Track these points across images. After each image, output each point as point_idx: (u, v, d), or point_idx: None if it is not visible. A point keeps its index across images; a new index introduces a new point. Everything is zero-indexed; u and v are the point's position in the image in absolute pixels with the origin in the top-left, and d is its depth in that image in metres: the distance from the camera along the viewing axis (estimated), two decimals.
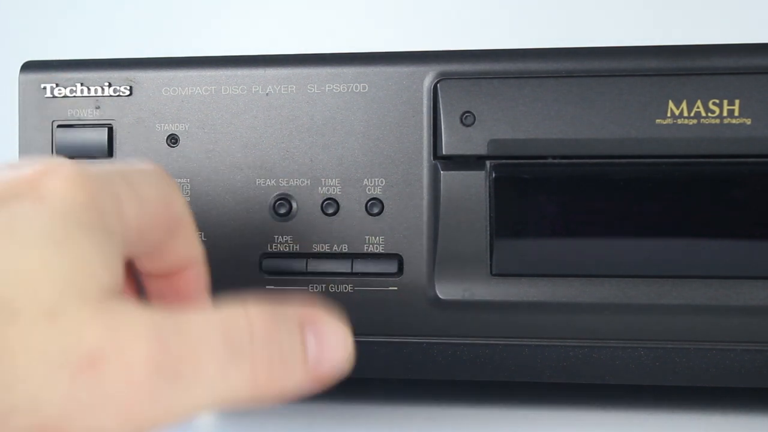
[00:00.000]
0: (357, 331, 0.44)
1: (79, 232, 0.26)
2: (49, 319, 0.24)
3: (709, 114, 0.41)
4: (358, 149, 0.44)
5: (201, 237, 0.45)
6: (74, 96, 0.46)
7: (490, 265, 0.43)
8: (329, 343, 0.29)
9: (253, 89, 0.45)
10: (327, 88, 0.44)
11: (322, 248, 0.44)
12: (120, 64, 0.46)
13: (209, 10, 0.81)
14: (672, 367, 0.43)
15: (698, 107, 0.41)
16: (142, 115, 0.45)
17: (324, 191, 0.44)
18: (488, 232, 0.43)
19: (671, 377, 0.43)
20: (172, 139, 0.45)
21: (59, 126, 0.46)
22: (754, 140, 0.41)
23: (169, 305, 0.31)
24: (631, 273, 0.42)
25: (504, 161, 0.43)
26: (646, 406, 0.46)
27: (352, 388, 0.51)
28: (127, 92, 0.46)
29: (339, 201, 0.44)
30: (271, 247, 0.44)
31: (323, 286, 0.44)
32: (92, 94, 0.46)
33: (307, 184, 0.44)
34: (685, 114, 0.42)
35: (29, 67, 0.47)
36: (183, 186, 0.45)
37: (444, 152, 0.43)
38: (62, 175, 0.27)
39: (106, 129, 0.46)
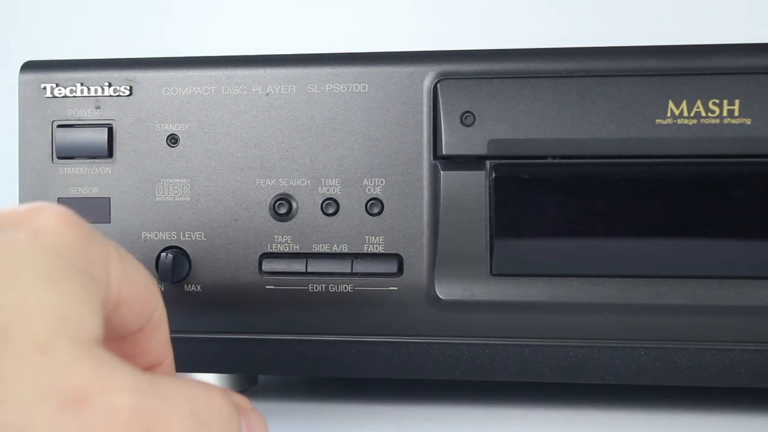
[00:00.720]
0: (357, 331, 0.44)
1: (70, 273, 0.27)
2: (41, 353, 0.25)
3: (709, 114, 0.41)
4: (358, 149, 0.44)
5: (201, 237, 0.45)
6: (74, 96, 0.46)
7: (490, 265, 0.43)
8: (256, 429, 0.32)
9: (253, 89, 0.45)
10: (327, 88, 0.44)
11: (322, 248, 0.44)
12: (120, 64, 0.46)
13: (209, 10, 0.81)
14: (672, 367, 0.43)
15: (698, 107, 0.41)
16: (142, 115, 0.45)
17: (324, 191, 0.44)
18: (488, 232, 0.43)
19: (671, 377, 0.43)
20: (172, 139, 0.45)
21: (59, 126, 0.46)
22: (754, 140, 0.41)
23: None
24: (631, 273, 0.42)
25: (504, 161, 0.43)
26: (646, 406, 0.46)
27: (352, 388, 0.51)
28: (127, 92, 0.46)
29: (339, 201, 0.44)
30: (271, 247, 0.44)
31: (323, 286, 0.44)
32: (92, 94, 0.46)
33: (307, 184, 0.44)
34: (685, 114, 0.42)
35: (29, 67, 0.47)
36: (183, 186, 0.45)
37: (444, 152, 0.43)
38: (57, 214, 0.28)
39: (106, 129, 0.46)
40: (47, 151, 0.46)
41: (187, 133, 0.45)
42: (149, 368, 0.34)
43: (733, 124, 0.41)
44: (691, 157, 0.42)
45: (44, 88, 0.46)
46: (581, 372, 0.43)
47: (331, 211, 0.44)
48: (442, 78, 0.43)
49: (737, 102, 0.41)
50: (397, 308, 0.44)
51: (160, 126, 0.45)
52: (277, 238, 0.44)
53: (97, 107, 0.46)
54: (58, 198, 0.46)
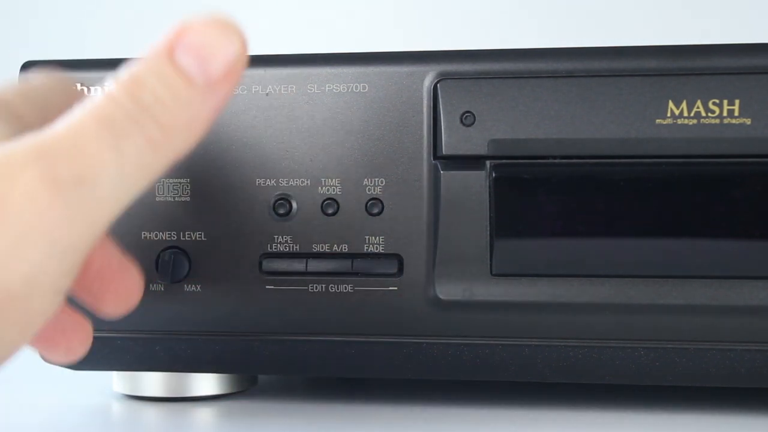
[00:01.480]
0: (357, 331, 0.44)
1: None
2: None
3: (709, 114, 0.41)
4: (358, 149, 0.44)
5: (201, 237, 0.45)
6: None
7: (490, 265, 0.43)
8: (209, 48, 0.29)
9: (253, 89, 0.45)
10: (327, 88, 0.44)
11: (322, 248, 0.44)
12: (120, 65, 0.46)
13: (209, 10, 0.81)
14: (672, 367, 0.43)
15: (698, 107, 0.41)
16: None
17: (324, 191, 0.44)
18: (488, 232, 0.43)
19: (671, 377, 0.43)
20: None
21: None
22: (754, 140, 0.41)
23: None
24: (631, 273, 0.42)
25: (504, 161, 0.43)
26: (646, 406, 0.46)
27: (352, 388, 0.51)
28: None
29: (339, 201, 0.44)
30: (271, 247, 0.44)
31: (323, 286, 0.44)
32: (92, 94, 0.46)
33: (307, 184, 0.44)
34: (685, 114, 0.42)
35: (29, 67, 0.47)
36: (183, 186, 0.45)
37: (444, 152, 0.43)
38: None
39: None
40: None
41: None
42: None
43: (733, 124, 0.41)
44: (691, 157, 0.42)
45: None
46: (581, 372, 0.43)
47: (331, 211, 0.44)
48: (442, 78, 0.43)
49: (737, 102, 0.41)
50: (397, 308, 0.44)
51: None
52: (277, 238, 0.44)
53: None
54: None
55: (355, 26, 0.79)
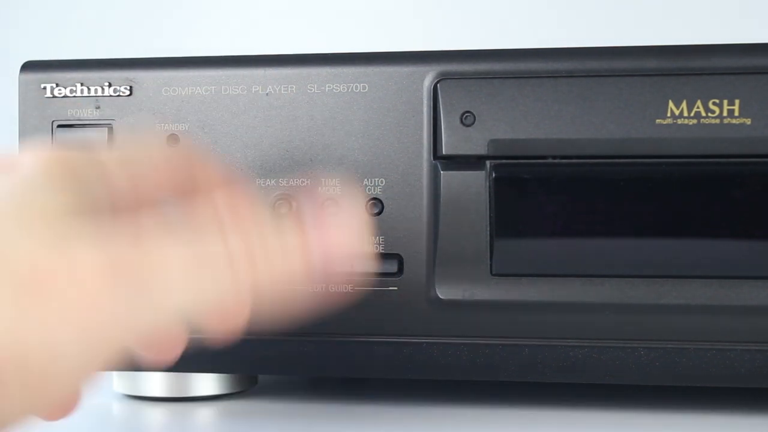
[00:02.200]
0: (357, 331, 0.44)
1: (37, 189, 0.26)
2: None
3: (709, 114, 0.41)
4: (358, 149, 0.44)
5: None
6: (74, 96, 0.46)
7: (490, 265, 0.43)
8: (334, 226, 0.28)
9: (253, 89, 0.45)
10: (327, 88, 0.44)
11: None
12: (120, 64, 0.46)
13: (209, 10, 0.81)
14: (672, 367, 0.43)
15: (698, 107, 0.41)
16: (142, 115, 0.45)
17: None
18: (488, 232, 0.43)
19: (671, 377, 0.43)
20: (172, 139, 0.45)
21: (59, 126, 0.46)
22: (754, 140, 0.41)
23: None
24: (631, 273, 0.42)
25: (504, 161, 0.43)
26: (646, 406, 0.46)
27: (352, 388, 0.51)
28: (127, 92, 0.46)
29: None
30: None
31: (323, 286, 0.44)
32: (92, 94, 0.46)
33: (307, 184, 0.44)
34: (685, 114, 0.42)
35: (29, 67, 0.47)
36: None
37: (444, 152, 0.43)
38: (39, 152, 0.28)
39: (106, 129, 0.46)
40: None
41: (187, 133, 0.45)
42: None
43: (733, 124, 0.41)
44: (691, 157, 0.42)
45: (44, 88, 0.46)
46: (581, 372, 0.43)
47: None
48: (442, 78, 0.43)
49: (737, 102, 0.41)
50: (397, 308, 0.44)
51: (160, 126, 0.45)
52: None
53: (97, 107, 0.46)
54: None
55: (355, 26, 0.79)
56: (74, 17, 0.82)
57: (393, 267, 0.43)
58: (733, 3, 0.74)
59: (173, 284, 0.25)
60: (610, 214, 0.42)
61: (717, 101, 0.41)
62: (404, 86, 0.44)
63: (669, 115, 0.42)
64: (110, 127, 0.46)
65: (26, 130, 0.46)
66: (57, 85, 0.46)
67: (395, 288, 0.43)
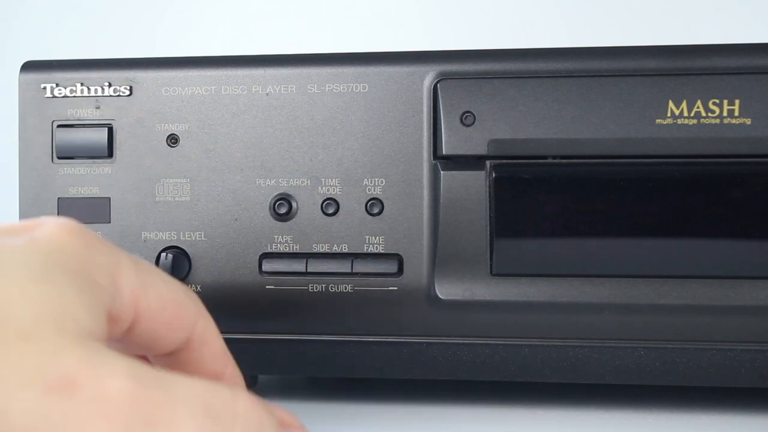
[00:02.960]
0: (357, 331, 0.44)
1: (62, 273, 0.27)
2: (25, 341, 0.25)
3: (709, 114, 0.41)
4: (358, 149, 0.44)
5: (201, 237, 0.45)
6: (74, 96, 0.46)
7: (490, 265, 0.43)
8: None
9: (253, 89, 0.45)
10: (327, 88, 0.44)
11: (322, 248, 0.44)
12: (120, 64, 0.46)
13: (209, 10, 0.81)
14: (672, 367, 0.43)
15: (698, 107, 0.41)
16: (142, 115, 0.45)
17: (324, 191, 0.44)
18: (488, 232, 0.43)
19: (671, 377, 0.43)
20: (172, 139, 0.45)
21: (59, 126, 0.46)
22: (754, 140, 0.41)
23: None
24: (631, 273, 0.42)
25: (504, 161, 0.43)
26: (646, 406, 0.46)
27: (352, 388, 0.51)
28: (127, 92, 0.46)
29: (339, 201, 0.44)
30: (271, 247, 0.44)
31: (323, 286, 0.44)
32: (92, 94, 0.46)
33: (307, 184, 0.44)
34: (685, 114, 0.42)
35: (29, 67, 0.47)
36: (183, 186, 0.45)
37: (444, 152, 0.43)
38: (58, 223, 0.28)
39: (106, 129, 0.46)
40: (47, 151, 0.46)
41: (187, 133, 0.45)
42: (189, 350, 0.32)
43: (733, 124, 0.41)
44: (691, 157, 0.42)
45: (44, 88, 0.46)
46: (581, 372, 0.43)
47: (331, 211, 0.44)
48: (442, 78, 0.43)
49: (737, 102, 0.41)
50: (397, 308, 0.44)
51: (160, 126, 0.45)
52: (277, 238, 0.44)
53: (97, 107, 0.46)
54: (58, 198, 0.46)
55: (355, 26, 0.79)
56: (74, 17, 0.82)
57: (393, 267, 0.43)
58: (734, 3, 0.74)
59: None
60: (610, 214, 0.42)
61: (717, 101, 0.41)
62: (404, 86, 0.44)
63: (669, 115, 0.42)
64: (110, 127, 0.46)
65: (26, 130, 0.46)
66: (57, 85, 0.46)
67: (395, 288, 0.44)
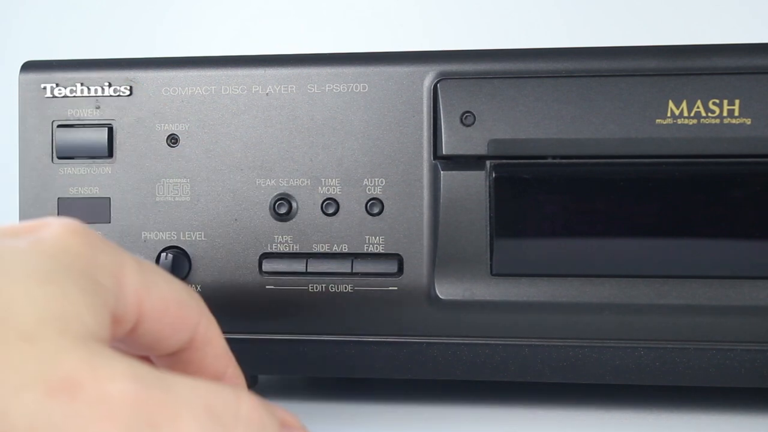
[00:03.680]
0: (357, 331, 0.44)
1: (65, 274, 0.27)
2: (27, 342, 0.25)
3: (709, 114, 0.41)
4: (358, 149, 0.44)
5: (201, 237, 0.45)
6: (74, 96, 0.46)
7: (490, 265, 0.43)
8: None
9: (253, 89, 0.45)
10: (327, 88, 0.44)
11: (322, 248, 0.44)
12: (120, 64, 0.46)
13: (209, 10, 0.81)
14: (672, 367, 0.43)
15: (698, 107, 0.41)
16: (142, 115, 0.45)
17: (324, 191, 0.44)
18: (488, 232, 0.43)
19: (671, 377, 0.43)
20: (172, 139, 0.45)
21: (59, 126, 0.46)
22: (754, 140, 0.41)
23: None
24: (631, 273, 0.42)
25: (504, 161, 0.43)
26: (646, 406, 0.46)
27: (352, 388, 0.51)
28: (127, 92, 0.46)
29: (339, 201, 0.44)
30: (271, 247, 0.44)
31: (323, 286, 0.44)
32: (92, 94, 0.46)
33: (307, 184, 0.44)
34: (685, 114, 0.42)
35: (29, 67, 0.47)
36: (183, 186, 0.45)
37: (444, 152, 0.43)
38: (61, 224, 0.28)
39: (106, 129, 0.46)
40: (47, 151, 0.46)
41: (187, 133, 0.45)
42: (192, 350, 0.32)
43: (733, 124, 0.41)
44: (691, 157, 0.42)
45: (44, 88, 0.46)
46: (581, 372, 0.43)
47: (331, 211, 0.44)
48: (442, 78, 0.43)
49: (737, 102, 0.41)
50: (397, 308, 0.44)
51: (160, 126, 0.45)
52: (277, 238, 0.44)
53: (97, 107, 0.46)
54: (58, 198, 0.46)
55: (355, 26, 0.79)
56: (74, 17, 0.82)
57: (393, 267, 0.43)
58: (734, 3, 0.74)
59: None
60: (610, 214, 0.42)
61: (717, 101, 0.41)
62: (404, 86, 0.44)
63: (669, 115, 0.42)
64: (110, 127, 0.46)
65: (26, 130, 0.46)
66: (57, 85, 0.46)
67: (395, 288, 0.44)
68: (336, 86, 0.44)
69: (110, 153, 0.46)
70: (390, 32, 0.78)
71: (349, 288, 0.44)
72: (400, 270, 0.44)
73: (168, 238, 0.45)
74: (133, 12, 0.82)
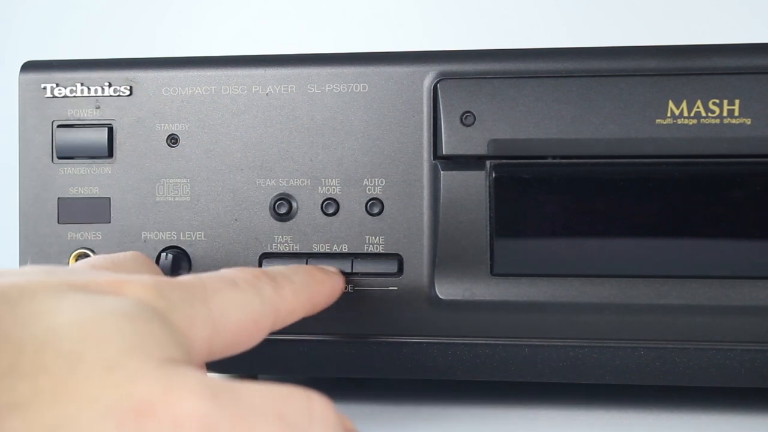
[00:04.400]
0: (357, 331, 0.44)
1: (152, 315, 0.28)
2: (107, 371, 0.25)
3: (709, 114, 0.41)
4: (358, 149, 0.44)
5: (201, 237, 0.45)
6: (74, 96, 0.46)
7: (490, 265, 0.43)
8: None
9: (253, 89, 0.45)
10: (327, 88, 0.44)
11: (322, 248, 0.44)
12: (120, 64, 0.46)
13: (209, 10, 0.81)
14: (672, 367, 0.43)
15: (698, 107, 0.41)
16: (142, 115, 0.45)
17: (324, 191, 0.44)
18: (488, 232, 0.43)
19: (671, 377, 0.43)
20: (172, 139, 0.45)
21: (59, 126, 0.46)
22: (754, 140, 0.41)
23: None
24: (631, 273, 0.42)
25: (504, 161, 0.43)
26: (646, 406, 0.46)
27: (352, 388, 0.51)
28: (127, 92, 0.46)
29: (339, 201, 0.44)
30: (271, 247, 0.44)
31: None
32: (92, 94, 0.46)
33: (307, 184, 0.44)
34: (685, 114, 0.42)
35: (29, 67, 0.47)
36: (183, 186, 0.45)
37: (444, 152, 0.43)
38: (143, 282, 0.30)
39: (106, 129, 0.46)
40: (47, 151, 0.46)
41: (187, 133, 0.45)
42: None
43: (733, 124, 0.41)
44: (691, 157, 0.42)
45: (44, 88, 0.46)
46: (581, 372, 0.43)
47: (331, 211, 0.44)
48: (442, 78, 0.43)
49: (737, 102, 0.41)
50: (397, 308, 0.44)
51: (160, 126, 0.45)
52: (277, 238, 0.44)
53: (97, 107, 0.46)
54: (58, 198, 0.46)
55: (355, 26, 0.79)
56: (74, 17, 0.82)
57: (393, 267, 0.43)
58: (734, 3, 0.74)
59: None
60: (610, 214, 0.42)
61: (717, 101, 0.41)
62: (404, 86, 0.44)
63: (669, 115, 0.42)
64: (110, 128, 0.46)
65: (26, 130, 0.46)
66: (57, 85, 0.46)
67: (395, 288, 0.44)
68: (336, 86, 0.44)
69: (110, 153, 0.46)
70: (390, 32, 0.78)
71: (349, 288, 0.44)
72: (400, 270, 0.44)
73: (168, 238, 0.45)
74: (133, 12, 0.82)
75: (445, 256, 0.43)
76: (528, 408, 0.46)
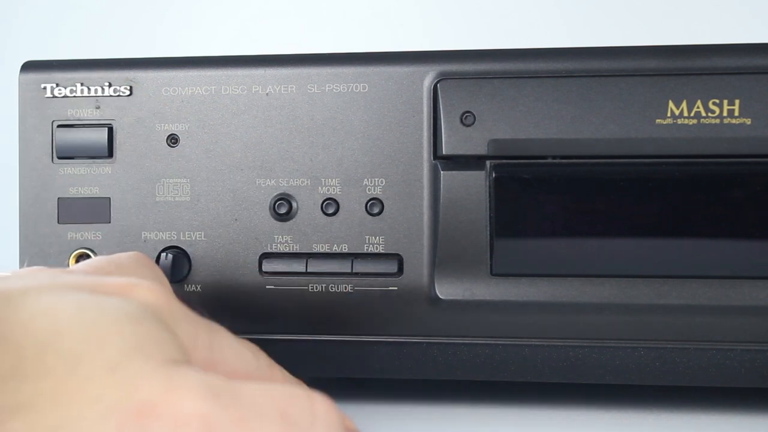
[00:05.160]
0: (357, 331, 0.44)
1: (155, 320, 0.28)
2: (109, 372, 0.25)
3: (709, 114, 0.41)
4: (358, 149, 0.44)
5: (201, 237, 0.45)
6: (74, 96, 0.46)
7: (490, 265, 0.43)
8: None
9: (253, 89, 0.45)
10: (327, 88, 0.44)
11: (322, 248, 0.44)
12: (120, 64, 0.46)
13: (209, 10, 0.81)
14: (672, 367, 0.43)
15: (698, 107, 0.41)
16: (142, 115, 0.45)
17: (324, 191, 0.44)
18: (488, 232, 0.43)
19: (671, 377, 0.43)
20: (172, 139, 0.45)
21: (59, 126, 0.46)
22: (754, 140, 0.41)
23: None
24: (631, 273, 0.42)
25: (504, 161, 0.43)
26: (646, 406, 0.46)
27: (352, 388, 0.51)
28: (127, 92, 0.46)
29: (339, 201, 0.44)
30: (271, 247, 0.44)
31: (323, 286, 0.44)
32: (92, 94, 0.46)
33: (307, 184, 0.44)
34: (685, 114, 0.42)
35: (29, 67, 0.47)
36: (183, 186, 0.45)
37: (444, 152, 0.43)
38: (149, 286, 0.30)
39: (106, 129, 0.46)
40: (47, 151, 0.46)
41: (187, 133, 0.45)
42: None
43: (733, 124, 0.41)
44: (691, 157, 0.42)
45: (44, 88, 0.46)
46: (581, 372, 0.43)
47: (331, 211, 0.44)
48: (442, 78, 0.43)
49: (737, 102, 0.41)
50: (397, 308, 0.44)
51: (160, 126, 0.45)
52: (277, 238, 0.44)
53: (97, 107, 0.46)
54: (58, 198, 0.46)
55: (355, 26, 0.79)
56: (74, 17, 0.82)
57: (393, 267, 0.43)
58: (734, 3, 0.74)
59: None
60: (610, 214, 0.42)
61: (717, 101, 0.41)
62: (404, 86, 0.44)
63: (669, 115, 0.42)
64: (110, 128, 0.46)
65: (26, 130, 0.46)
66: (57, 85, 0.46)
67: (395, 288, 0.44)
68: (336, 86, 0.44)
69: (110, 153, 0.46)
70: (390, 32, 0.78)
71: (349, 288, 0.44)
72: (400, 270, 0.44)
73: (168, 238, 0.45)
74: (133, 12, 0.82)
75: (445, 256, 0.43)
76: (528, 408, 0.46)
